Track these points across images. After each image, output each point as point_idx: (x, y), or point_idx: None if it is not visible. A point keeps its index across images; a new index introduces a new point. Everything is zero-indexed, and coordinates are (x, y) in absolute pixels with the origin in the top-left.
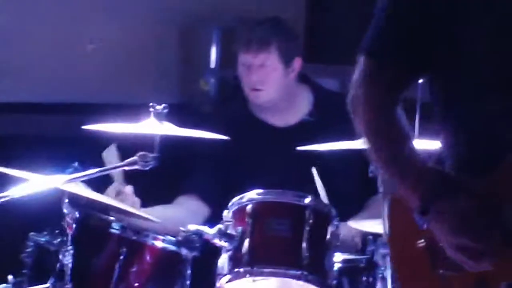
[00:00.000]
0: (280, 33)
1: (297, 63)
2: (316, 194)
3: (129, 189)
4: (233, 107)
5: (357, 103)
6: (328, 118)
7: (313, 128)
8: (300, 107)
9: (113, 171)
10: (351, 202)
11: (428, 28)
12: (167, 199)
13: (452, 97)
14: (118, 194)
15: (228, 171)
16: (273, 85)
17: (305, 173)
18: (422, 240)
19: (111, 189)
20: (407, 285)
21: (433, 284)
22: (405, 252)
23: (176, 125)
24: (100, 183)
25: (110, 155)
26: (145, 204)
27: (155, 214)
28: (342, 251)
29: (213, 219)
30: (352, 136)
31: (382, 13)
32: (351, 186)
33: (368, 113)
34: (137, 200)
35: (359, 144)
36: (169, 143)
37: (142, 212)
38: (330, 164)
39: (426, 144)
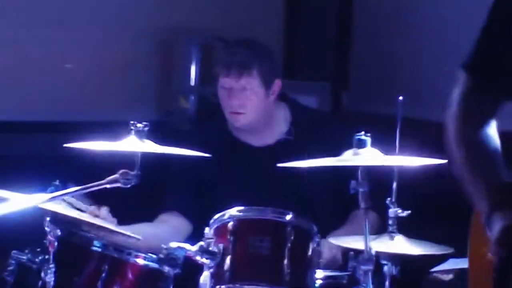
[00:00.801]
0: (261, 57)
1: (277, 85)
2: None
3: (104, 211)
4: (212, 126)
5: (451, 118)
6: (306, 135)
7: (291, 147)
8: (278, 126)
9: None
10: (332, 219)
11: None
12: (147, 217)
13: None
14: (95, 217)
15: (208, 188)
16: (254, 109)
17: (284, 192)
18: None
19: (87, 213)
20: None
21: None
22: (479, 262)
23: (156, 143)
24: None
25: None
26: (125, 222)
27: (137, 231)
28: (324, 268)
29: (195, 236)
30: (330, 152)
31: (484, 29)
32: (332, 203)
33: (460, 123)
34: (114, 220)
35: (338, 161)
36: (148, 160)
37: (122, 230)
38: (309, 181)
39: (406, 161)
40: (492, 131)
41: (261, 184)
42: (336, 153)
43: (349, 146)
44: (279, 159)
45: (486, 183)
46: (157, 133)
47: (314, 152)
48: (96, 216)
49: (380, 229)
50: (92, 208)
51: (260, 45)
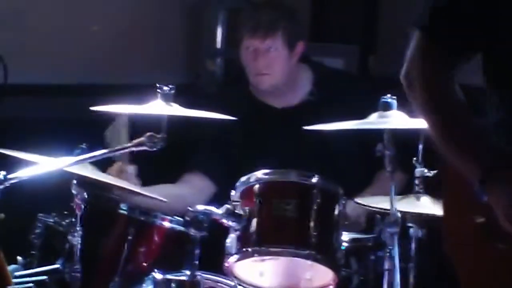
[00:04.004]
0: (286, 18)
1: (300, 47)
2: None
3: (132, 169)
4: (235, 90)
5: (412, 77)
6: (330, 96)
7: (314, 107)
8: (300, 88)
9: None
10: (357, 181)
11: (489, 6)
12: (172, 179)
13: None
14: (121, 172)
15: (233, 151)
16: (278, 70)
17: (309, 152)
18: (481, 218)
19: (114, 167)
20: (459, 256)
21: (488, 256)
22: (460, 224)
23: (182, 106)
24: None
25: (114, 132)
26: (149, 183)
27: (160, 192)
28: (347, 230)
29: (219, 198)
30: (354, 113)
31: None
32: (357, 165)
33: (425, 87)
34: (137, 182)
35: (364, 123)
36: (174, 123)
37: (149, 192)
38: (334, 143)
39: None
40: (457, 89)
41: (285, 145)
42: (361, 114)
43: (374, 108)
44: (303, 120)
45: (471, 146)
46: (184, 96)
47: (338, 113)
48: (124, 170)
49: (406, 189)
50: (123, 161)
51: (284, 7)
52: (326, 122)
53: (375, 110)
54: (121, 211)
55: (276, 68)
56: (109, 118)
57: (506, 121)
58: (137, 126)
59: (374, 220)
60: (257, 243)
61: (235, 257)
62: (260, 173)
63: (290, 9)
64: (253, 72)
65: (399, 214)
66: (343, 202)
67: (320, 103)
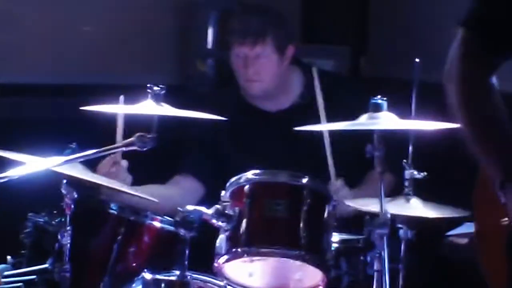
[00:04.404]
0: (275, 24)
1: (291, 50)
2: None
3: (124, 163)
4: (226, 92)
5: (451, 75)
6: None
7: (306, 110)
8: (291, 91)
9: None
10: (348, 183)
11: None
12: (162, 180)
13: None
14: (114, 164)
15: (223, 153)
16: (269, 76)
17: (300, 155)
18: (506, 219)
19: (109, 157)
20: (486, 259)
21: None
22: (488, 229)
23: (173, 106)
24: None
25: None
26: (139, 183)
27: (149, 192)
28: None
29: (209, 199)
30: (345, 115)
31: None
32: (348, 166)
33: (464, 87)
34: (129, 177)
35: (354, 125)
36: (165, 124)
37: (139, 192)
38: (325, 145)
39: (422, 125)
40: (496, 90)
41: (276, 148)
42: (352, 116)
43: (365, 109)
44: (294, 122)
45: (499, 147)
46: (174, 97)
47: (329, 115)
48: (117, 163)
49: (396, 190)
50: (117, 154)
51: (273, 11)
52: (316, 123)
53: (365, 111)
54: (111, 211)
55: (266, 74)
56: (99, 119)
57: None
58: (127, 126)
59: (363, 221)
60: (246, 243)
61: (225, 257)
62: (250, 174)
63: (279, 14)
64: (243, 79)
65: (388, 216)
66: (334, 203)
67: (311, 105)
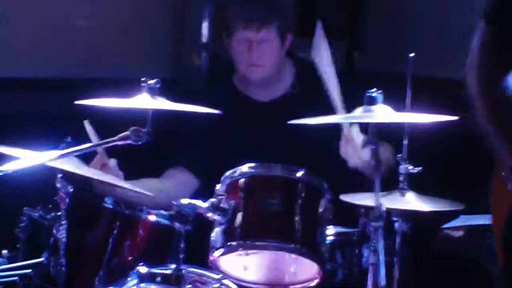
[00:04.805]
0: (279, 10)
1: (289, 39)
2: None
3: (112, 162)
4: (219, 84)
5: (472, 66)
6: (312, 89)
7: (296, 100)
8: (283, 81)
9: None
10: (342, 175)
11: None
12: (156, 173)
13: None
14: (102, 166)
15: (217, 146)
16: (270, 61)
17: (293, 146)
18: None
19: (95, 161)
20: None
21: None
22: (502, 217)
23: (168, 100)
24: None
25: (89, 128)
26: (133, 177)
27: (144, 186)
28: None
29: (204, 192)
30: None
31: None
32: (341, 158)
33: (481, 75)
34: (120, 173)
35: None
36: (159, 117)
37: (133, 186)
38: (319, 137)
39: (417, 118)
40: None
41: (269, 139)
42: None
43: (358, 102)
44: (285, 113)
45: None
46: (169, 91)
47: (321, 106)
48: (105, 164)
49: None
50: (101, 156)
51: (275, 0)
52: (309, 115)
53: (358, 104)
54: (106, 205)
55: (268, 60)
56: (94, 113)
57: None
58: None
59: (358, 214)
60: (242, 237)
61: (220, 251)
62: (245, 167)
63: (279, 2)
64: (245, 63)
65: (384, 208)
66: (328, 196)
67: (303, 95)
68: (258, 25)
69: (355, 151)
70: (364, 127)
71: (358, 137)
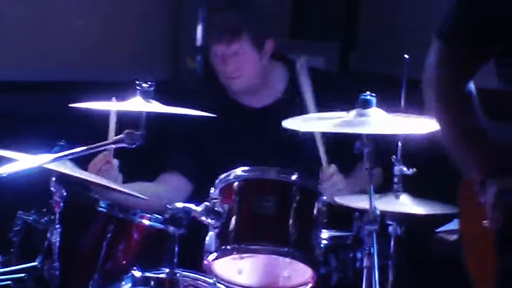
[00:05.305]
0: (250, 19)
1: (269, 45)
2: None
3: (116, 162)
4: (211, 90)
5: (429, 84)
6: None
7: (289, 105)
8: (275, 86)
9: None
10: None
11: (501, 9)
12: (150, 176)
13: None
14: (107, 163)
15: (210, 150)
16: (248, 72)
17: (287, 151)
18: (486, 221)
19: (101, 156)
20: (471, 259)
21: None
22: (471, 230)
23: (163, 103)
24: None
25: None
26: (126, 181)
27: (138, 190)
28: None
29: (197, 196)
30: (331, 111)
31: None
32: (335, 161)
33: (439, 92)
34: (120, 176)
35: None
36: (153, 120)
37: (129, 189)
38: (311, 141)
39: (411, 119)
40: (474, 95)
41: (262, 144)
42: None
43: (353, 105)
44: (278, 118)
45: (477, 148)
46: (164, 94)
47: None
48: (109, 161)
49: (381, 184)
50: (109, 152)
51: (247, 6)
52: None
53: (353, 107)
54: (101, 209)
55: (245, 71)
56: (88, 116)
57: None
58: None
59: (353, 217)
60: (236, 240)
61: (214, 254)
62: (239, 171)
63: (253, 8)
64: (223, 76)
65: (378, 212)
66: (323, 199)
67: (296, 101)
68: (228, 38)
69: (333, 188)
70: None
71: (337, 175)
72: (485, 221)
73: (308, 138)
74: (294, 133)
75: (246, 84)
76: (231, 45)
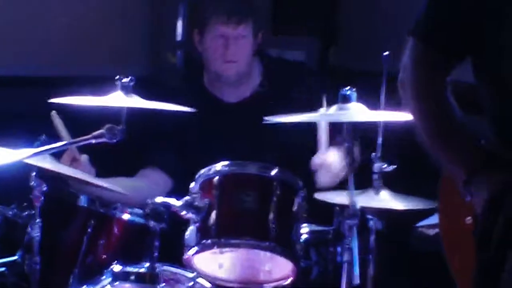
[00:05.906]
0: (254, 8)
1: (260, 37)
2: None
3: (84, 158)
4: (192, 84)
5: (405, 84)
6: (281, 86)
7: (266, 99)
8: (252, 80)
9: (66, 138)
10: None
11: (474, 11)
12: (129, 171)
13: (497, 78)
14: (73, 161)
15: (189, 145)
16: (245, 58)
17: (266, 145)
18: (470, 217)
19: (66, 156)
20: (452, 255)
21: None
22: (452, 227)
23: (143, 98)
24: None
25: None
26: (106, 176)
27: (118, 185)
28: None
29: (178, 192)
30: (308, 104)
31: None
32: (311, 156)
33: (416, 92)
34: (92, 170)
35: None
36: (133, 116)
37: (104, 183)
38: (290, 135)
39: (391, 116)
40: (449, 94)
41: (240, 139)
42: (315, 104)
43: (330, 98)
44: (255, 112)
45: (458, 147)
46: (143, 89)
47: (291, 103)
48: (76, 159)
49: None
50: (72, 150)
51: None
52: (279, 112)
53: (334, 102)
54: (81, 204)
55: (243, 56)
56: (68, 111)
57: (498, 119)
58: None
59: (333, 212)
60: (216, 235)
61: (195, 249)
62: (219, 165)
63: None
64: (221, 59)
65: (358, 207)
66: (303, 194)
67: (272, 93)
68: (237, 20)
69: (331, 174)
70: (339, 126)
71: (340, 162)
72: (468, 218)
73: (292, 129)
74: (275, 126)
75: (240, 71)
76: (238, 28)
